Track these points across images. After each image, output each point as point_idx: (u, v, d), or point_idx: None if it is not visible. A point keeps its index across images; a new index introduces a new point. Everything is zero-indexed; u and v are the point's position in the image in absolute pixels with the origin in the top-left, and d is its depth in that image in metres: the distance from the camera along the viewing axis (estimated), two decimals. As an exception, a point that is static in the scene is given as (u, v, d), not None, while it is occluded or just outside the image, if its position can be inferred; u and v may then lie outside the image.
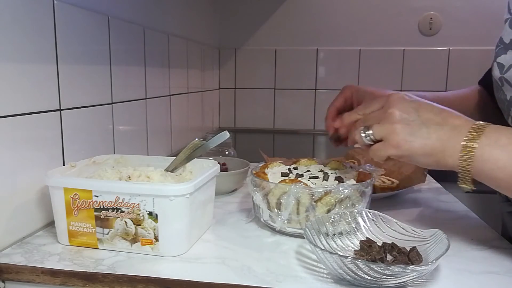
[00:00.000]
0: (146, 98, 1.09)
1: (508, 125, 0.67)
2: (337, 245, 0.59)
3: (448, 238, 0.53)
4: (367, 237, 0.59)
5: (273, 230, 0.68)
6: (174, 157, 0.73)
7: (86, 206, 0.59)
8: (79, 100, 0.77)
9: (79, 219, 0.60)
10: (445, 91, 1.81)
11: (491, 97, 0.80)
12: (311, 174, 0.72)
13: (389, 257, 0.54)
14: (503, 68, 0.64)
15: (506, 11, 0.66)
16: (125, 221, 0.58)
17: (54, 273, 0.54)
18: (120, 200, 0.58)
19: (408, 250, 0.54)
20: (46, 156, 0.69)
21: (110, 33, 0.88)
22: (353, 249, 0.59)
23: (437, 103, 0.78)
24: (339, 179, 0.68)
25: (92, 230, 0.60)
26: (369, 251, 0.55)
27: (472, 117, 0.78)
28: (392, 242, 0.56)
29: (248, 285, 0.51)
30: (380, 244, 0.56)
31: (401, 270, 0.47)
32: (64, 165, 0.72)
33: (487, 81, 0.82)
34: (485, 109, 0.82)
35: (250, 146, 1.69)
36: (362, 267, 0.47)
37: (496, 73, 0.65)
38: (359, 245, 0.58)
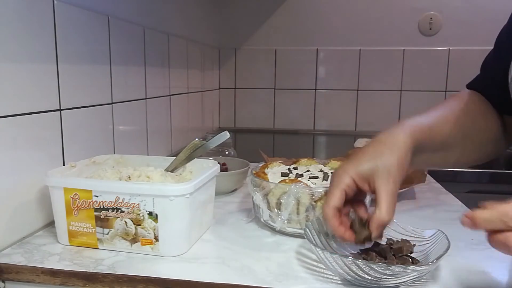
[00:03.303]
0: (146, 98, 1.09)
1: None
2: (337, 245, 0.59)
3: (448, 238, 0.53)
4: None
5: (273, 230, 0.68)
6: (174, 157, 0.73)
7: (86, 206, 0.59)
8: (79, 100, 0.77)
9: (79, 219, 0.60)
10: (445, 91, 1.81)
11: (493, 104, 0.69)
12: (311, 174, 0.72)
13: (389, 257, 0.54)
14: None
15: None
16: (125, 221, 0.58)
17: (54, 273, 0.54)
18: (120, 200, 0.58)
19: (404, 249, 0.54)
20: (46, 156, 0.69)
21: (110, 33, 0.88)
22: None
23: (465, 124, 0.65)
24: (339, 179, 0.68)
25: (92, 230, 0.60)
26: (372, 250, 0.54)
27: (492, 126, 0.67)
28: (389, 242, 0.56)
29: (248, 285, 0.51)
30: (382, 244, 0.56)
31: (402, 270, 0.47)
32: (64, 165, 0.72)
33: (483, 86, 0.71)
34: (490, 111, 0.70)
35: (250, 146, 1.68)
36: (363, 267, 0.47)
37: None
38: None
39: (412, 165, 0.57)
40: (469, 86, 0.74)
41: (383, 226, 0.52)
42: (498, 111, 0.70)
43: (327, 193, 0.55)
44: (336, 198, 0.53)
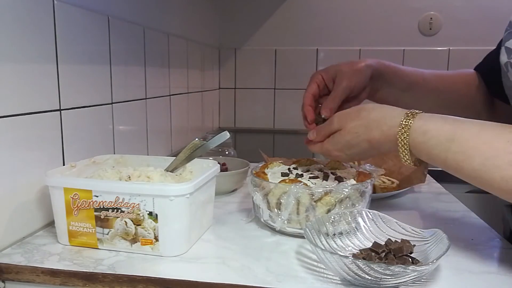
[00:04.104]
0: (146, 98, 1.09)
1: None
2: (337, 245, 0.59)
3: (448, 238, 0.53)
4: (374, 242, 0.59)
5: (273, 230, 0.68)
6: (174, 157, 0.73)
7: (86, 206, 0.59)
8: (79, 100, 0.77)
9: (79, 219, 0.60)
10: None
11: (485, 85, 0.81)
12: (311, 174, 0.72)
13: (389, 257, 0.54)
14: (511, 52, 0.63)
15: None
16: (125, 221, 0.58)
17: (54, 273, 0.54)
18: (120, 200, 0.58)
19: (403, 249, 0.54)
20: (46, 156, 0.69)
21: (110, 33, 0.88)
22: (353, 249, 0.59)
23: (438, 83, 0.81)
24: (339, 179, 0.68)
25: (92, 230, 0.60)
26: (375, 250, 0.54)
27: (474, 100, 0.81)
28: (387, 240, 0.56)
29: (248, 285, 0.51)
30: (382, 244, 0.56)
31: (402, 270, 0.47)
32: (64, 165, 0.72)
33: (484, 68, 0.82)
34: (483, 94, 0.81)
35: (250, 146, 1.68)
36: (363, 267, 0.47)
37: (504, 58, 0.65)
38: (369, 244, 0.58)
39: (385, 96, 0.78)
40: (475, 68, 0.86)
41: (326, 106, 0.71)
42: (490, 93, 0.81)
43: (307, 88, 0.75)
44: (312, 88, 0.73)
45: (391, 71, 0.78)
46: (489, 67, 0.81)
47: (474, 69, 0.85)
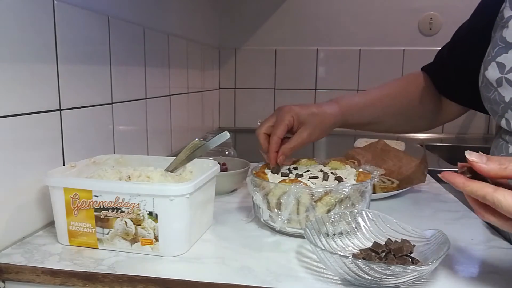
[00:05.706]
0: (146, 98, 1.09)
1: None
2: (337, 245, 0.59)
3: (448, 238, 0.53)
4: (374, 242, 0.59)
5: (273, 230, 0.68)
6: (174, 157, 0.73)
7: (86, 206, 0.59)
8: (79, 100, 0.77)
9: (79, 219, 0.60)
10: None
11: (432, 82, 0.85)
12: (311, 174, 0.72)
13: (389, 257, 0.54)
14: (504, 68, 0.62)
15: (508, 9, 0.64)
16: (125, 221, 0.58)
17: (54, 273, 0.54)
18: (120, 200, 0.58)
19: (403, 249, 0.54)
20: (46, 156, 0.69)
21: (110, 33, 0.88)
22: (353, 249, 0.59)
23: (396, 106, 0.85)
24: (339, 179, 0.68)
25: (92, 230, 0.60)
26: (375, 250, 0.54)
27: (425, 101, 0.85)
28: (387, 240, 0.56)
29: (248, 285, 0.51)
30: (382, 244, 0.56)
31: (402, 270, 0.47)
32: (64, 165, 0.72)
33: (433, 70, 0.86)
34: (432, 94, 0.85)
35: (250, 146, 1.68)
36: (363, 267, 0.47)
37: (494, 73, 0.63)
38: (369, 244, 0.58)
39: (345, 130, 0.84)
40: (422, 68, 0.90)
41: (283, 154, 0.72)
42: (440, 92, 0.84)
43: (275, 126, 0.73)
44: (281, 131, 0.73)
45: (353, 115, 0.81)
46: (438, 67, 0.85)
47: (422, 69, 0.87)
